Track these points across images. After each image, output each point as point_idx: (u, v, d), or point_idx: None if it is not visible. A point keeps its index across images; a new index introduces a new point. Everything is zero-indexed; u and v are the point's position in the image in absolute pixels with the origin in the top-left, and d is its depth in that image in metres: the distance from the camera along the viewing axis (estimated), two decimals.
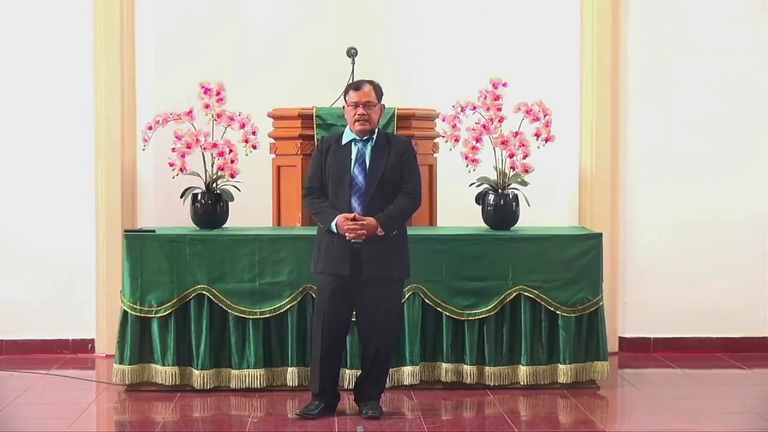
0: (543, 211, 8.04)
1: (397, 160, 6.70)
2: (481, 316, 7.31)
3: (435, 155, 8.01)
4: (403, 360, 7.28)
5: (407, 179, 6.72)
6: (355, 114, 6.68)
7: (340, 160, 6.70)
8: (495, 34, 8.84)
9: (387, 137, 6.81)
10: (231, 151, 7.60)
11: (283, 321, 7.28)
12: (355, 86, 6.75)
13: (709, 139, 8.45)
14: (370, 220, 6.61)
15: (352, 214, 6.60)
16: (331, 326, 6.72)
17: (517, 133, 7.52)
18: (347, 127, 6.77)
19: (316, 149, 6.89)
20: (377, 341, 6.74)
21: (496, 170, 7.57)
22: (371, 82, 6.77)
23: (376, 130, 6.75)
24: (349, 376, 7.16)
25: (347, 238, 6.59)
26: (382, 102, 6.79)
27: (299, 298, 7.21)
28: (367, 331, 6.77)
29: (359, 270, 6.63)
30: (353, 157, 6.70)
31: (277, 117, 7.97)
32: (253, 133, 7.67)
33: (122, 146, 8.30)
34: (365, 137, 6.71)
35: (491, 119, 7.51)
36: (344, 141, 6.74)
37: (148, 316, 7.28)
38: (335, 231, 6.62)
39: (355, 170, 6.69)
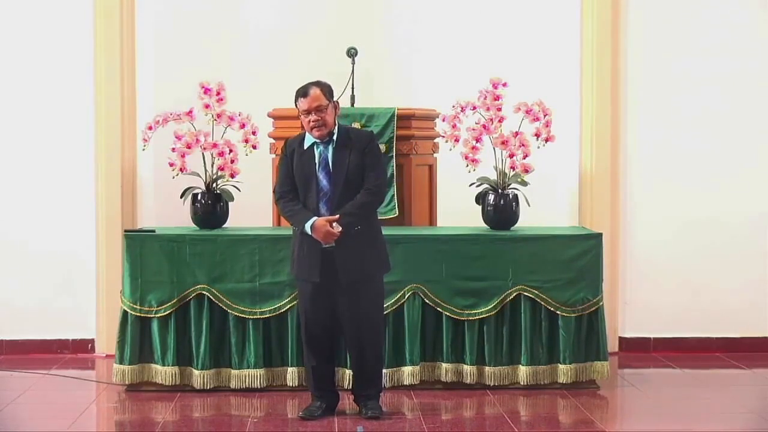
0: (543, 211, 8.04)
1: (358, 157, 6.57)
2: (481, 316, 7.31)
3: (435, 155, 8.00)
4: (403, 360, 7.28)
5: (369, 173, 6.59)
6: (309, 122, 6.55)
7: (305, 166, 6.60)
8: (495, 34, 8.85)
9: (348, 134, 6.65)
10: (231, 151, 7.60)
11: (283, 321, 7.28)
12: (303, 93, 6.56)
13: (709, 139, 8.45)
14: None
15: (336, 216, 6.51)
16: (315, 328, 6.70)
17: (517, 133, 7.51)
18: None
19: (281, 153, 6.77)
20: (362, 340, 6.71)
21: (496, 170, 7.56)
22: (318, 84, 6.60)
23: (336, 129, 6.63)
24: (348, 376, 7.13)
25: (323, 244, 6.52)
26: (334, 99, 6.65)
27: None
28: (350, 331, 6.72)
29: (334, 274, 6.56)
30: (317, 161, 6.59)
31: (277, 117, 7.96)
32: (253, 133, 7.68)
33: (122, 146, 8.30)
34: (326, 139, 6.61)
35: (491, 119, 7.50)
36: (306, 145, 6.63)
37: (148, 316, 7.28)
38: (309, 233, 6.55)
39: (320, 175, 6.58)
